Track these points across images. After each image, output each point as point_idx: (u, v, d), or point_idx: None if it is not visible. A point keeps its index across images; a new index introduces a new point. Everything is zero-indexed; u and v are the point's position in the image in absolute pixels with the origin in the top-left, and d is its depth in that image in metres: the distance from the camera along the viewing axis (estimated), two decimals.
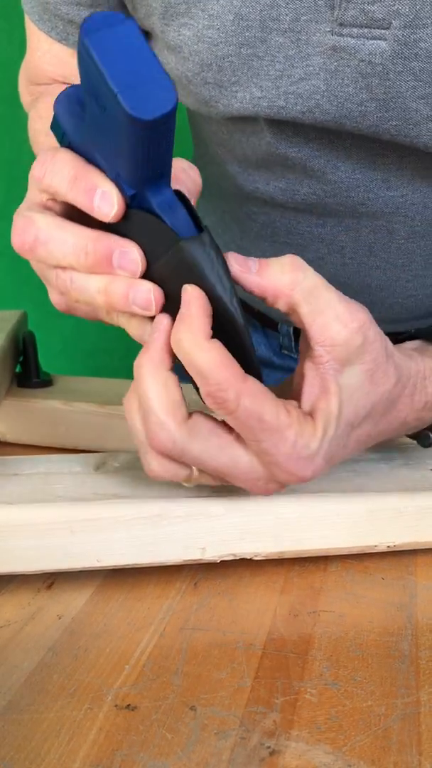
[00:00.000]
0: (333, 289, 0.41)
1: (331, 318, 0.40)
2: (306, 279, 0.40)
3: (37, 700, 0.35)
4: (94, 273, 0.39)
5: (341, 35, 0.53)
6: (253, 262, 0.40)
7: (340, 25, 0.52)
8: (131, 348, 0.46)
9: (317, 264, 0.48)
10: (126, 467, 0.48)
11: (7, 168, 1.43)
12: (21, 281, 1.49)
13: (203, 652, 0.38)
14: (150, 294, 0.39)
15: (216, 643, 0.39)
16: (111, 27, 0.33)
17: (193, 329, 0.38)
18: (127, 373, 0.43)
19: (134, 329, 0.42)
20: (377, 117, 0.56)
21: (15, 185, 1.44)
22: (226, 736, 0.33)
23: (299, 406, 0.41)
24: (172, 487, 0.44)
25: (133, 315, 0.41)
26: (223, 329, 0.38)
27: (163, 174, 0.37)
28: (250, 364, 0.38)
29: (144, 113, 0.33)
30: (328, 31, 0.53)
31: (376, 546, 0.46)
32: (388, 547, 0.46)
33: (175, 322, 0.38)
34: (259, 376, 0.39)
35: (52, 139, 0.43)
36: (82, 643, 0.39)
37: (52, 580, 0.44)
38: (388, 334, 0.44)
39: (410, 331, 0.55)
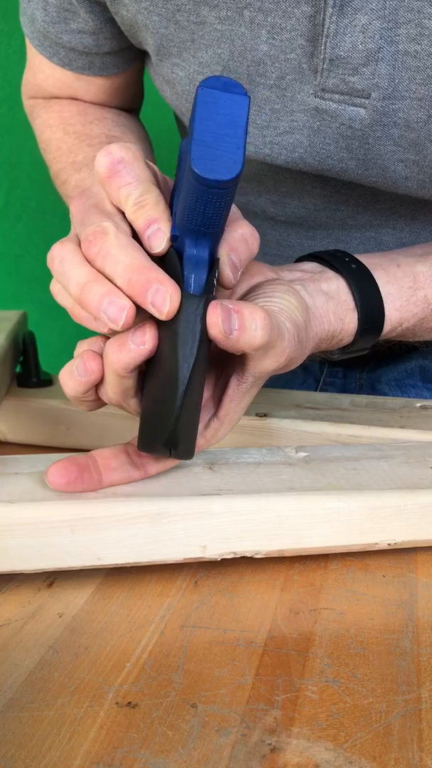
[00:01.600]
0: (285, 328, 0.42)
1: (268, 359, 0.42)
2: (270, 336, 0.40)
3: (38, 698, 0.35)
4: (131, 296, 0.39)
5: (323, 99, 0.55)
6: (234, 322, 0.39)
7: (323, 90, 0.54)
8: None
9: None
10: None
11: (7, 170, 1.44)
12: (21, 281, 1.49)
13: (204, 650, 0.38)
14: (123, 312, 0.38)
15: (217, 640, 0.39)
16: (226, 91, 0.36)
17: None
18: None
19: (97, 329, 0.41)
20: (357, 173, 0.58)
21: (15, 187, 1.44)
22: (227, 733, 0.33)
23: (210, 397, 0.44)
24: (173, 486, 0.44)
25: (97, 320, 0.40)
26: (164, 385, 0.39)
27: (207, 234, 0.39)
28: (175, 424, 0.39)
29: (200, 169, 0.35)
30: (312, 93, 0.55)
31: (376, 544, 0.46)
32: (389, 544, 0.46)
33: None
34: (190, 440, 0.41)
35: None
36: (82, 641, 0.39)
37: (52, 578, 0.44)
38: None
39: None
